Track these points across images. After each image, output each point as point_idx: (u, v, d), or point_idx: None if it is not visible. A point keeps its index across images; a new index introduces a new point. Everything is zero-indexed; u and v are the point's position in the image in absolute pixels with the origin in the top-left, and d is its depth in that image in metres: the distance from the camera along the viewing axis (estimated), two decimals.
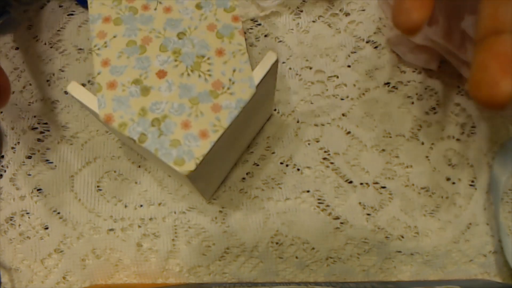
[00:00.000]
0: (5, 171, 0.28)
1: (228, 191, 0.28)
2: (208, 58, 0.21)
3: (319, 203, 0.28)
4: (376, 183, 0.28)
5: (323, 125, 0.29)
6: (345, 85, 0.29)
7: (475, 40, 0.18)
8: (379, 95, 0.29)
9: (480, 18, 0.18)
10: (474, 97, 0.16)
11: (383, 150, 0.28)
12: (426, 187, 0.28)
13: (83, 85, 0.29)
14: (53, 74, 0.30)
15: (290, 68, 0.30)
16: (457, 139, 0.29)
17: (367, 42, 0.30)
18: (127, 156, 0.28)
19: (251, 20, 0.31)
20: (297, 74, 0.30)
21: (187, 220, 0.27)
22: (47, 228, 0.27)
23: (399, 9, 0.18)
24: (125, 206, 0.28)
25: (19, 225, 0.27)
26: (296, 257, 0.27)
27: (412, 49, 0.29)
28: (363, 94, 0.29)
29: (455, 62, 0.28)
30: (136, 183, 0.28)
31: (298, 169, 0.28)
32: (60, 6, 0.31)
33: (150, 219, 0.27)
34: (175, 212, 0.27)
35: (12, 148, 0.28)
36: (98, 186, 0.28)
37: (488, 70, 0.16)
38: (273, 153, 0.28)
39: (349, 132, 0.29)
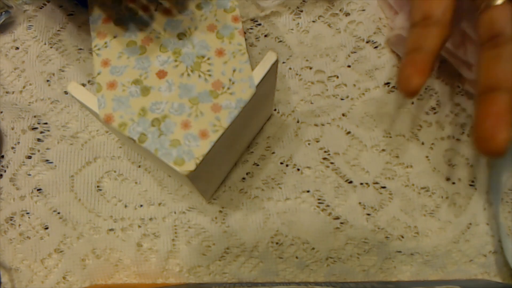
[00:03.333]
0: (5, 171, 0.28)
1: (228, 191, 0.28)
2: (208, 58, 0.21)
3: (319, 203, 0.28)
4: (376, 183, 0.28)
5: (323, 125, 0.29)
6: (345, 85, 0.29)
7: (476, 92, 0.20)
8: (379, 95, 0.29)
9: (479, 72, 0.21)
10: (478, 149, 0.19)
11: (383, 150, 0.28)
12: (426, 187, 0.28)
13: (83, 85, 0.29)
14: (53, 74, 0.30)
15: (290, 68, 0.30)
16: (457, 139, 0.29)
17: (367, 42, 0.30)
18: (127, 156, 0.28)
19: (251, 20, 0.31)
20: (297, 74, 0.30)
21: (187, 220, 0.27)
22: (47, 228, 0.27)
23: (401, 76, 0.21)
24: (125, 206, 0.28)
25: (19, 225, 0.27)
26: (296, 257, 0.27)
27: None
28: (363, 94, 0.29)
29: (455, 62, 0.28)
30: (136, 183, 0.28)
31: (298, 169, 0.28)
32: (60, 6, 0.31)
33: (150, 219, 0.27)
34: (175, 212, 0.27)
35: (12, 148, 0.28)
36: (98, 186, 0.28)
37: (485, 128, 0.19)
38: (273, 153, 0.28)
39: (349, 132, 0.29)
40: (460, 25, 0.26)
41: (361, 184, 0.28)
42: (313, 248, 0.27)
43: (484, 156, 0.19)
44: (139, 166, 0.28)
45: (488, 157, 0.20)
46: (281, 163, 0.28)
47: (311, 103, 0.29)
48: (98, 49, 0.21)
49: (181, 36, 0.22)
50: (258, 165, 0.28)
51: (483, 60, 0.21)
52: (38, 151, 0.28)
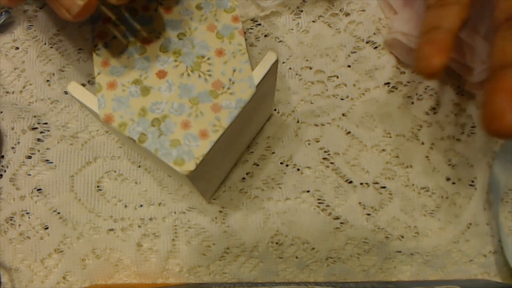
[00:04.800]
0: (5, 171, 0.28)
1: (228, 191, 0.28)
2: (208, 59, 0.21)
3: (319, 203, 0.28)
4: (376, 183, 0.28)
5: (323, 125, 0.29)
6: (345, 85, 0.29)
7: (490, 68, 0.19)
8: (379, 95, 0.29)
9: (492, 54, 0.20)
10: (486, 127, 0.18)
11: (383, 150, 0.28)
12: (426, 187, 0.28)
13: (83, 85, 0.29)
14: (53, 74, 0.30)
15: (290, 68, 0.30)
16: (457, 139, 0.29)
17: (367, 42, 0.30)
18: (127, 156, 0.28)
19: (251, 20, 0.31)
20: (297, 74, 0.30)
21: (187, 220, 0.27)
22: (47, 228, 0.27)
23: (419, 55, 0.20)
24: (125, 206, 0.28)
25: (19, 225, 0.27)
26: (296, 257, 0.27)
27: (408, 51, 0.29)
28: (363, 94, 0.29)
29: (453, 64, 0.28)
30: (136, 183, 0.28)
31: (298, 169, 0.28)
32: None
33: (150, 219, 0.27)
34: (175, 212, 0.27)
35: (12, 148, 0.29)
36: (98, 186, 0.28)
37: (495, 103, 0.17)
38: (273, 153, 0.28)
39: (349, 132, 0.29)
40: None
41: (361, 184, 0.28)
42: (313, 248, 0.27)
43: (493, 136, 0.18)
44: (139, 166, 0.28)
45: (497, 137, 0.18)
46: (281, 163, 0.28)
47: (311, 103, 0.29)
48: (98, 49, 0.21)
49: (181, 36, 0.22)
50: (258, 165, 0.28)
51: (498, 41, 0.20)
52: (38, 151, 0.28)
